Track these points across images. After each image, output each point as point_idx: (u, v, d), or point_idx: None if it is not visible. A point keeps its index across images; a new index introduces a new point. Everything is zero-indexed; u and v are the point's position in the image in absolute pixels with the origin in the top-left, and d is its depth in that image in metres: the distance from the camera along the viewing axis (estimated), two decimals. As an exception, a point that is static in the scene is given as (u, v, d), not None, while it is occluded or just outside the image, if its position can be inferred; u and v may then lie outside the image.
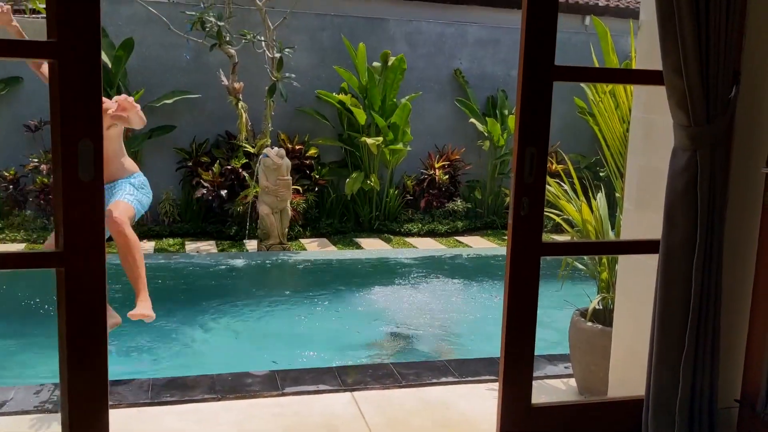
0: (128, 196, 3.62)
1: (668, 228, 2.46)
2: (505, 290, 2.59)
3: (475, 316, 5.95)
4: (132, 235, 3.45)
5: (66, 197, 2.06)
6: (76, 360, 2.16)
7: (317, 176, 8.66)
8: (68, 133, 2.03)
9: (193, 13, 7.58)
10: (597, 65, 3.95)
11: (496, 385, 3.35)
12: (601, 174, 9.37)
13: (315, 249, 7.82)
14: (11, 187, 7.94)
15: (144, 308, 3.43)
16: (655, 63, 2.48)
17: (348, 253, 7.68)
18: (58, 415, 2.26)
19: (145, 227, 7.96)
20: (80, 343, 2.15)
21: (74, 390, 2.17)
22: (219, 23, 7.46)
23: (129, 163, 3.78)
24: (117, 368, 3.49)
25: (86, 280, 2.11)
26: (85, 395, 2.19)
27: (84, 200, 2.06)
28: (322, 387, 3.49)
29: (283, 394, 3.39)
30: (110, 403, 3.10)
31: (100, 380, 2.20)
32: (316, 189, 8.62)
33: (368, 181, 8.70)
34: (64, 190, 2.05)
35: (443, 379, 3.63)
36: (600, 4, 11.31)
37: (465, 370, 3.76)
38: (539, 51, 2.40)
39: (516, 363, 2.62)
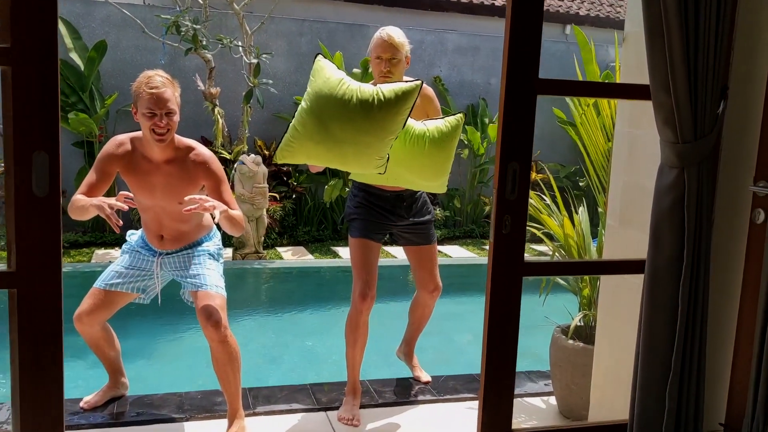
0: (220, 282, 2.99)
1: (654, 248, 2.37)
2: (485, 310, 2.49)
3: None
4: (235, 342, 2.91)
5: (19, 212, 1.92)
6: (29, 386, 2.01)
7: (295, 183, 8.54)
8: (22, 144, 1.90)
9: (169, 16, 7.43)
10: (580, 76, 3.87)
11: (475, 404, 3.26)
12: (580, 183, 9.35)
13: (291, 258, 7.69)
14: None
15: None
16: (641, 76, 2.40)
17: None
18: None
19: (118, 235, 7.78)
20: (34, 368, 2.01)
21: (27, 417, 2.03)
22: (195, 27, 7.32)
23: (207, 216, 3.05)
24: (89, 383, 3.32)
25: (41, 302, 1.97)
26: (39, 422, 2.05)
27: (38, 216, 1.93)
28: (295, 406, 3.37)
29: (255, 414, 3.26)
30: (71, 424, 2.96)
31: (55, 406, 2.05)
32: (294, 196, 8.49)
33: (346, 189, 8.58)
34: (16, 204, 1.92)
35: (421, 398, 3.53)
36: (581, 13, 11.33)
37: (443, 387, 3.65)
38: (523, 64, 2.31)
39: (496, 386, 2.52)
